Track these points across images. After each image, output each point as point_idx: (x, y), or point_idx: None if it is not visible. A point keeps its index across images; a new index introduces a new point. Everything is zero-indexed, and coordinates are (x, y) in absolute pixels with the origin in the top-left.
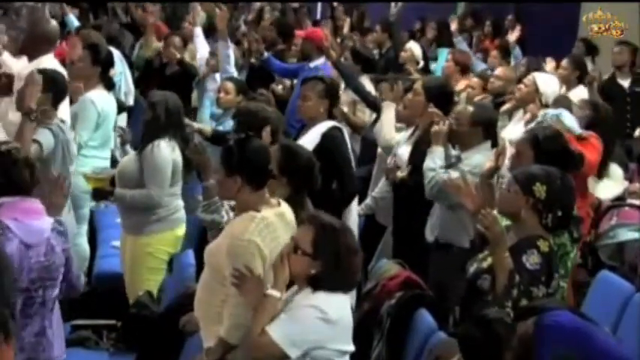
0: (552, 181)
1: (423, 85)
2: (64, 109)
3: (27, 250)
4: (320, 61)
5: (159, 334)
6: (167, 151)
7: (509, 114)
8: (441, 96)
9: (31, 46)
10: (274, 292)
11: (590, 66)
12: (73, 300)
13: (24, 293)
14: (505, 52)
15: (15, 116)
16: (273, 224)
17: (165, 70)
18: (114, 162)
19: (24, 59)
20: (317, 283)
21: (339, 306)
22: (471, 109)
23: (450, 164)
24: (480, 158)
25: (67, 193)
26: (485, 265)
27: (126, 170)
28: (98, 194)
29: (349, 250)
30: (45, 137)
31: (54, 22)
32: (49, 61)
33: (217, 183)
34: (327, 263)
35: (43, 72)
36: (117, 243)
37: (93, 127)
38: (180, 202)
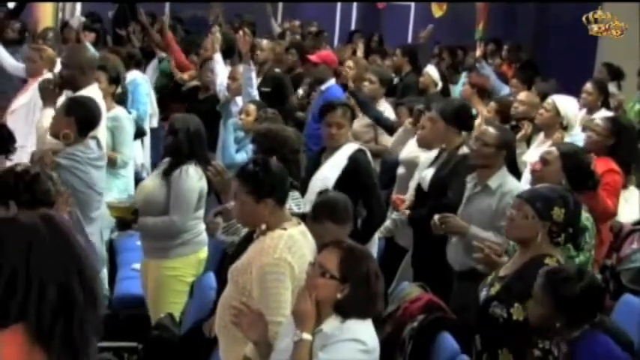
0: (568, 203)
1: (439, 111)
2: (102, 131)
3: None
4: (331, 82)
5: (180, 357)
6: (195, 179)
7: (528, 140)
8: (459, 117)
9: (71, 77)
10: (307, 336)
11: (615, 90)
12: None
13: None
14: (526, 78)
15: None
16: (299, 241)
17: (198, 95)
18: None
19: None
20: (345, 310)
21: (372, 333)
22: (493, 130)
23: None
24: (514, 181)
25: (71, 208)
26: (493, 291)
27: (153, 196)
28: (121, 223)
29: (377, 275)
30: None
31: (91, 49)
32: (92, 92)
33: (245, 212)
34: (356, 287)
35: (70, 98)
36: (137, 266)
37: (131, 142)
38: (203, 226)
